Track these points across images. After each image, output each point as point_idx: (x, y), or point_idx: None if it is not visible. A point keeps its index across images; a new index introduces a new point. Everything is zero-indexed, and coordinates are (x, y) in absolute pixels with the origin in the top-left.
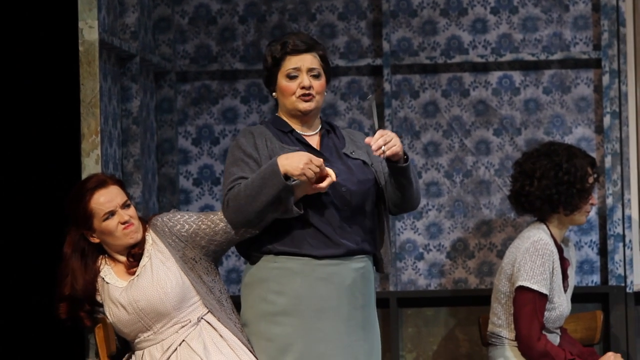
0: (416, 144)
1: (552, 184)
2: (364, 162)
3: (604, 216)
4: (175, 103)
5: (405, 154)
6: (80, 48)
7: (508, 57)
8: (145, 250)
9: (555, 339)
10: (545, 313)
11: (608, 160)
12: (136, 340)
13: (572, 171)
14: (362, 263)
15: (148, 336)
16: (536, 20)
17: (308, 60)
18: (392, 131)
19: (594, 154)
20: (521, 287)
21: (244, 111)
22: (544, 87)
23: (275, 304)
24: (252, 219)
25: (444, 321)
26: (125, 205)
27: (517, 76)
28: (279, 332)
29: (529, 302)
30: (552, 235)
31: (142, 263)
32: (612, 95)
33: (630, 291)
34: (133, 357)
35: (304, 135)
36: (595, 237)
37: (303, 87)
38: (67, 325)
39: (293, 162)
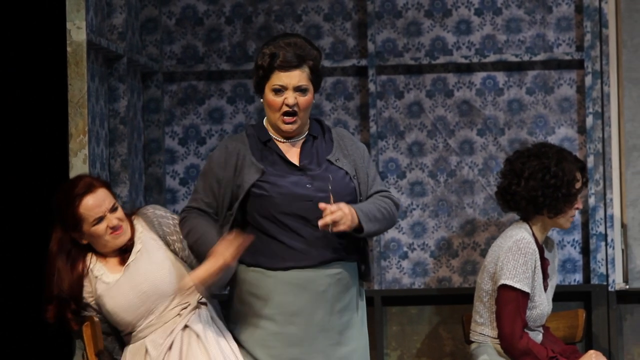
0: (400, 144)
1: (538, 185)
2: (346, 173)
3: (586, 215)
4: (162, 103)
5: (360, 223)
6: (68, 49)
7: (492, 58)
8: (137, 237)
9: (537, 337)
10: (527, 311)
11: (590, 160)
12: (138, 329)
13: (559, 175)
14: (337, 269)
15: (151, 321)
16: (519, 22)
17: (295, 78)
18: (377, 132)
19: (576, 154)
20: (504, 286)
21: (230, 111)
22: (527, 88)
23: (250, 305)
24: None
25: (428, 319)
26: (113, 209)
27: (500, 77)
28: (254, 334)
29: (511, 300)
30: (533, 235)
31: (135, 249)
32: (595, 96)
33: (612, 290)
34: (128, 352)
35: (284, 143)
36: (577, 236)
37: (287, 105)
38: (54, 328)
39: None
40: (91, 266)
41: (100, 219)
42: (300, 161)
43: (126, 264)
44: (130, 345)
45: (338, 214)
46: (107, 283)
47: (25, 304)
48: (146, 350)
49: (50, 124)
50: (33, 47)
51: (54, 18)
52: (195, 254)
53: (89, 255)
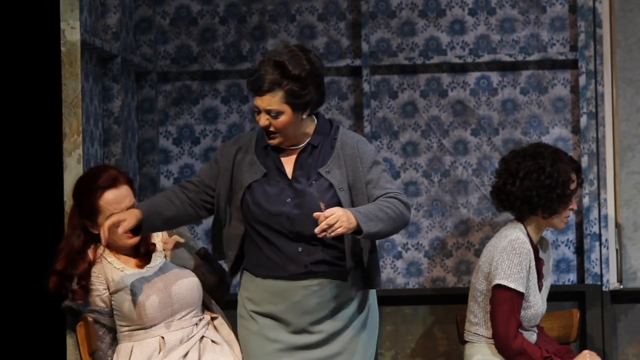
0: (395, 144)
1: (533, 186)
2: (331, 185)
3: (580, 215)
4: (156, 103)
5: (358, 224)
6: (62, 48)
7: (486, 57)
8: (157, 242)
9: (531, 336)
10: (521, 311)
11: (584, 160)
12: (156, 326)
13: (554, 176)
14: (314, 281)
15: (171, 321)
16: (513, 22)
17: (265, 102)
18: (372, 131)
19: (570, 154)
20: (498, 286)
21: (225, 111)
22: (522, 88)
23: (244, 307)
24: None
25: (422, 319)
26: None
27: (494, 77)
28: (244, 333)
29: (506, 300)
30: (528, 235)
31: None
32: (589, 96)
33: (606, 290)
34: (135, 347)
35: (281, 153)
36: (571, 236)
37: (262, 125)
38: (51, 296)
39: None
40: (107, 257)
41: None
42: (293, 171)
43: (154, 264)
44: (136, 342)
45: (332, 218)
46: (130, 275)
47: (23, 304)
48: (159, 346)
49: (44, 124)
50: (27, 47)
51: (48, 18)
52: None
53: (100, 247)
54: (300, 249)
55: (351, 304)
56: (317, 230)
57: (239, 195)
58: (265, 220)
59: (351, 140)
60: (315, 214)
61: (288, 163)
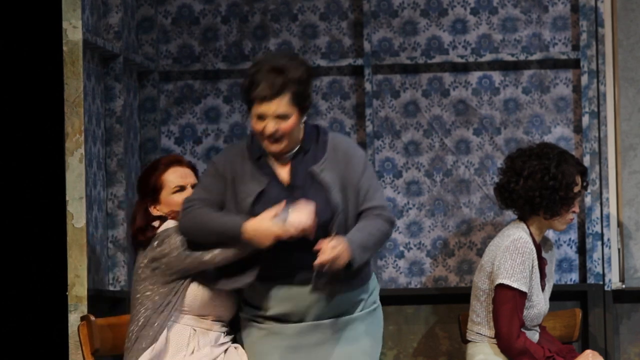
0: (397, 143)
1: (536, 186)
2: (324, 186)
3: (582, 215)
4: (158, 102)
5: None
6: (64, 48)
7: (488, 57)
8: None
9: (534, 336)
10: (524, 311)
11: (587, 160)
12: (194, 316)
13: (558, 177)
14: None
15: (205, 318)
16: (515, 21)
17: (273, 107)
18: (373, 131)
19: (572, 154)
20: (501, 285)
21: (227, 111)
22: (524, 87)
23: (245, 321)
24: (200, 244)
25: (425, 319)
26: (195, 186)
27: (496, 76)
28: (247, 343)
29: (508, 300)
30: (531, 234)
31: None
32: (591, 95)
33: (609, 289)
34: (172, 332)
35: (275, 163)
36: (574, 235)
37: (268, 132)
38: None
39: (259, 238)
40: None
41: (182, 188)
42: (290, 180)
43: None
44: (178, 325)
45: (339, 249)
46: None
47: (24, 303)
48: (189, 336)
49: (47, 123)
50: (29, 47)
51: (50, 17)
52: (216, 241)
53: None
54: (307, 254)
55: (355, 306)
56: (317, 262)
57: (245, 204)
58: None
59: (342, 145)
60: (319, 246)
61: (284, 172)
